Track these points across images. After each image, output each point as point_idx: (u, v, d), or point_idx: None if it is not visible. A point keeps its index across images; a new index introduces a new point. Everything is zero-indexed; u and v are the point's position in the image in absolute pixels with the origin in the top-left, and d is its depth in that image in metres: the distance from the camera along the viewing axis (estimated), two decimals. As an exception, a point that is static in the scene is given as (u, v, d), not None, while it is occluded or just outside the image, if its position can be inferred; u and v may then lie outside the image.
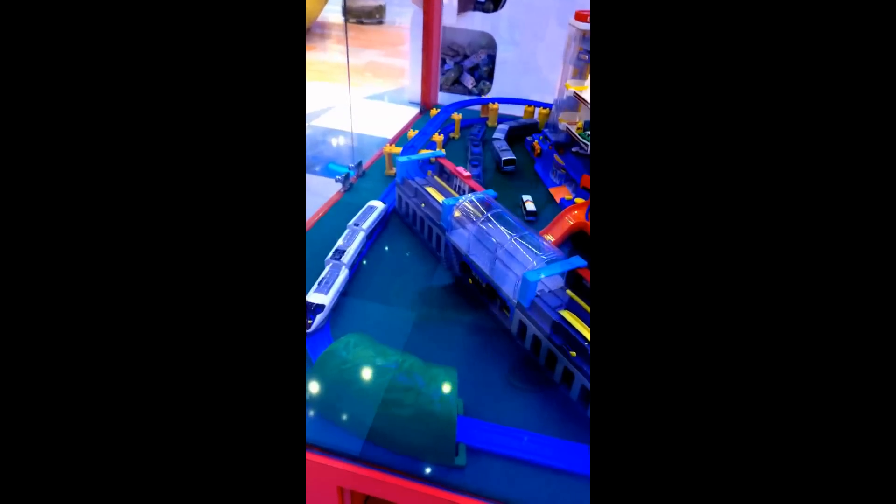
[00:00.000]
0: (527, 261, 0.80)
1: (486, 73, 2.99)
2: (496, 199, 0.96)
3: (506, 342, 0.82)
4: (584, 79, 1.29)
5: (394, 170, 1.29)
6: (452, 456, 0.62)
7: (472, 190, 1.03)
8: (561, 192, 1.25)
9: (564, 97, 1.33)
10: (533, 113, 1.61)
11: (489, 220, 0.88)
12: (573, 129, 1.23)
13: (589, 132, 1.20)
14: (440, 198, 1.02)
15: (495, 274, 0.83)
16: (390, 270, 0.97)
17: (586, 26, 1.24)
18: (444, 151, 1.12)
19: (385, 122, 2.89)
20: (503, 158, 1.31)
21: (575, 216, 1.08)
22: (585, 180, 1.19)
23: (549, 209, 1.18)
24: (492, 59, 2.83)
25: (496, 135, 1.45)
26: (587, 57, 1.26)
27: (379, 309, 0.88)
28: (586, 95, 1.19)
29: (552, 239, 0.99)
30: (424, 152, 1.24)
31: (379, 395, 0.63)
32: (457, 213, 0.92)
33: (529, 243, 0.83)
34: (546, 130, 1.48)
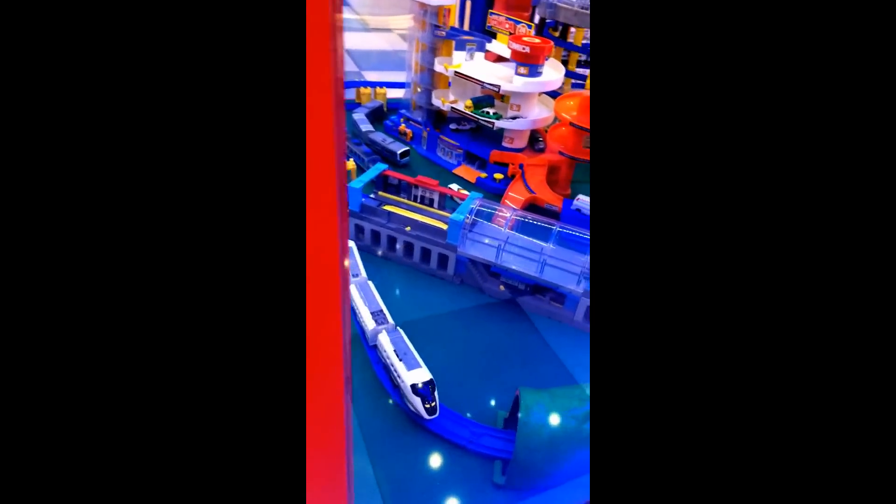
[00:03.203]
0: (575, 255, 0.84)
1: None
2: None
3: (562, 329, 0.86)
4: (438, 55, 1.28)
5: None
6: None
7: (444, 196, 0.97)
8: (470, 173, 1.26)
9: (420, 74, 1.29)
10: (370, 94, 1.51)
11: (506, 225, 0.87)
12: (462, 108, 1.23)
13: (485, 109, 1.22)
14: (422, 218, 0.93)
15: (545, 273, 0.84)
16: (412, 307, 0.86)
17: (432, 2, 1.22)
18: (385, 164, 1.00)
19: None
20: (398, 151, 1.23)
21: (522, 194, 1.13)
22: (494, 155, 1.23)
23: (473, 190, 1.19)
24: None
25: (363, 127, 1.33)
26: (444, 33, 1.25)
27: (443, 350, 0.79)
28: (466, 72, 1.20)
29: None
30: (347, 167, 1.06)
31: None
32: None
33: (565, 235, 0.86)
34: (403, 111, 1.42)
